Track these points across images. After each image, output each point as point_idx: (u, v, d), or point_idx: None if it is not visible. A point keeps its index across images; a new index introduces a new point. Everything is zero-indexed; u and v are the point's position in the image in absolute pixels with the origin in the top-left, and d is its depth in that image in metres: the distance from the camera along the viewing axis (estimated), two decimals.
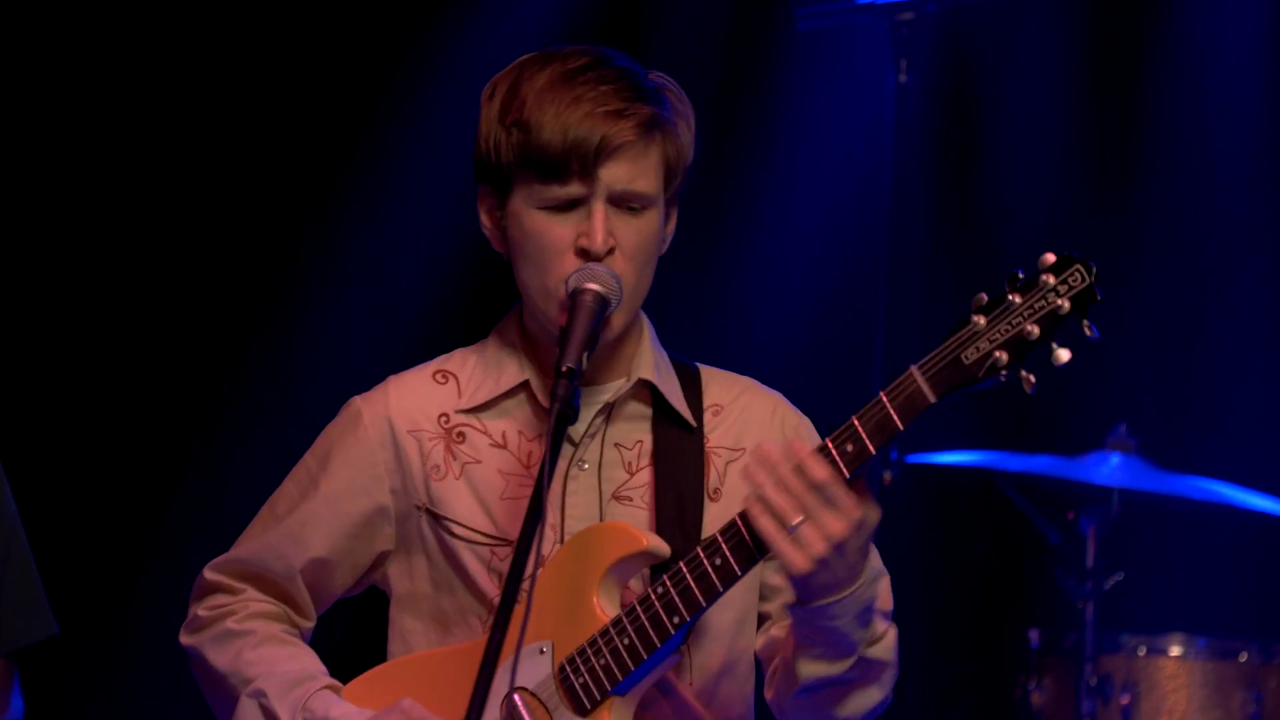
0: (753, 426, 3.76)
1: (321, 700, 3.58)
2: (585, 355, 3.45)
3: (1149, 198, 7.48)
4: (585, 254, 3.55)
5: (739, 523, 3.43)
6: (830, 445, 3.37)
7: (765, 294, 7.40)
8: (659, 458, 3.69)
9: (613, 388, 3.70)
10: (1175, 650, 6.58)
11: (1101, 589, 6.59)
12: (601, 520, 3.65)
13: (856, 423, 3.38)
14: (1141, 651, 6.59)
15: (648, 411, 3.71)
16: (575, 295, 3.51)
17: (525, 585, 3.57)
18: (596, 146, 3.53)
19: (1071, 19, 7.45)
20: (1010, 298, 3.34)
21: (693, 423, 3.71)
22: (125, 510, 6.73)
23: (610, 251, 3.56)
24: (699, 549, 3.47)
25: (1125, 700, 6.55)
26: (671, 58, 7.09)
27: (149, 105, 6.79)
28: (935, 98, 7.26)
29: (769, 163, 7.38)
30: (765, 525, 3.37)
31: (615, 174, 3.56)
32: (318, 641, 3.75)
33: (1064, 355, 3.33)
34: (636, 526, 3.58)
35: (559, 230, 3.57)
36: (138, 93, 6.78)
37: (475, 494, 3.65)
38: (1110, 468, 6.64)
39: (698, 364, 3.81)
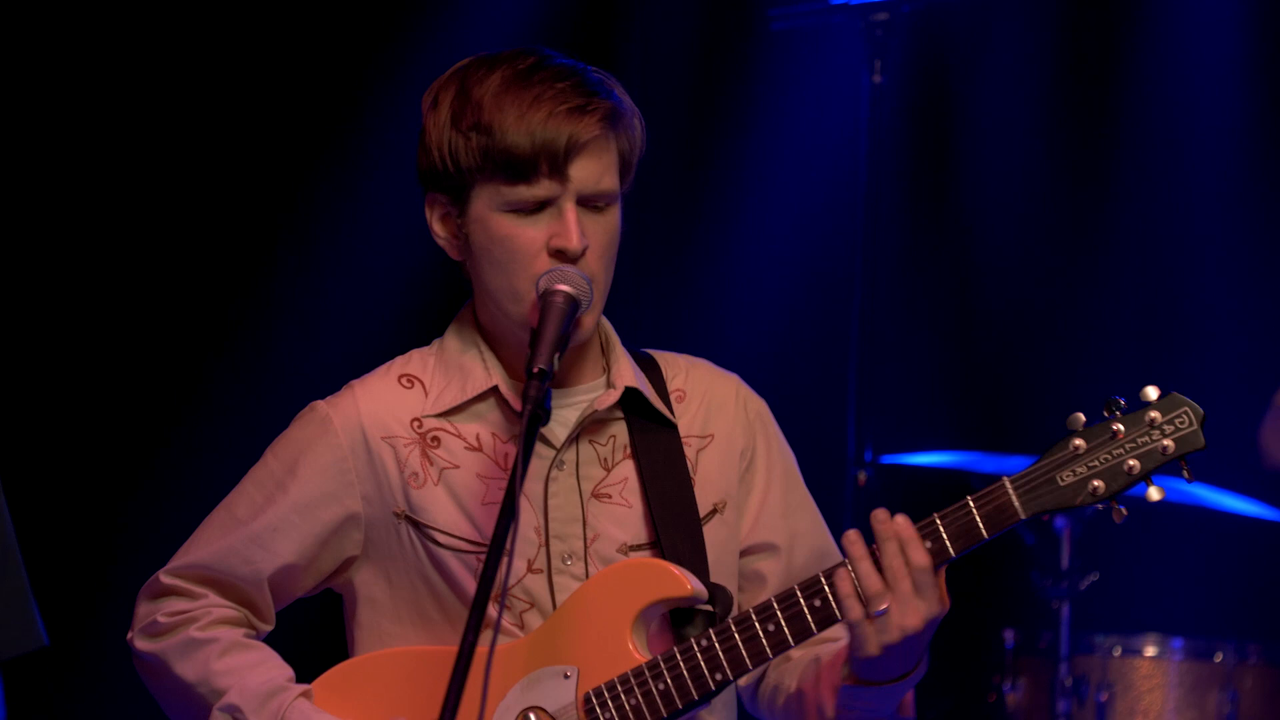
0: (718, 412, 3.75)
1: (300, 714, 3.55)
2: (556, 357, 3.43)
3: (1124, 197, 7.49)
4: (561, 254, 3.53)
5: (798, 594, 3.47)
6: (934, 529, 3.43)
7: (740, 293, 7.39)
8: (639, 453, 3.67)
9: (589, 389, 3.68)
10: (1150, 650, 6.58)
11: (1077, 589, 6.59)
12: (584, 519, 3.64)
13: (939, 522, 3.46)
14: (1117, 652, 6.60)
15: (618, 409, 3.69)
16: (546, 297, 3.48)
17: (512, 585, 3.61)
18: (565, 145, 3.51)
19: (1046, 18, 7.46)
20: (1113, 426, 3.41)
21: (674, 419, 3.70)
22: (104, 518, 6.70)
23: (585, 251, 3.54)
24: (751, 613, 3.49)
25: (1101, 700, 6.55)
26: (645, 58, 7.09)
27: (126, 105, 6.77)
28: (910, 98, 7.26)
29: (743, 163, 7.38)
30: (853, 607, 3.42)
31: (584, 172, 3.53)
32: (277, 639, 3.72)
33: (1156, 494, 3.40)
34: (678, 566, 3.57)
35: (530, 232, 3.54)
36: (115, 93, 6.76)
37: (456, 501, 3.62)
38: None
39: (649, 351, 3.80)
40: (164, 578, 3.66)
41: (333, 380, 3.75)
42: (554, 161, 3.51)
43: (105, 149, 6.76)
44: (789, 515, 3.77)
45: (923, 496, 7.31)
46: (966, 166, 7.53)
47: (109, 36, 6.74)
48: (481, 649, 3.38)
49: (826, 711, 3.62)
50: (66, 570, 6.56)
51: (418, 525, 3.62)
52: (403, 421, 3.65)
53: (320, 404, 3.69)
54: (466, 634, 3.18)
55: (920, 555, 3.42)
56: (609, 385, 3.69)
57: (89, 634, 6.48)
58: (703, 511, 3.69)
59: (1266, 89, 7.37)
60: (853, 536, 3.45)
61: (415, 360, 3.72)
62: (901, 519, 3.45)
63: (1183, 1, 7.38)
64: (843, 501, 6.52)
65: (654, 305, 7.04)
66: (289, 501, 3.64)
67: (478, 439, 3.64)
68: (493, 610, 3.57)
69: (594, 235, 3.55)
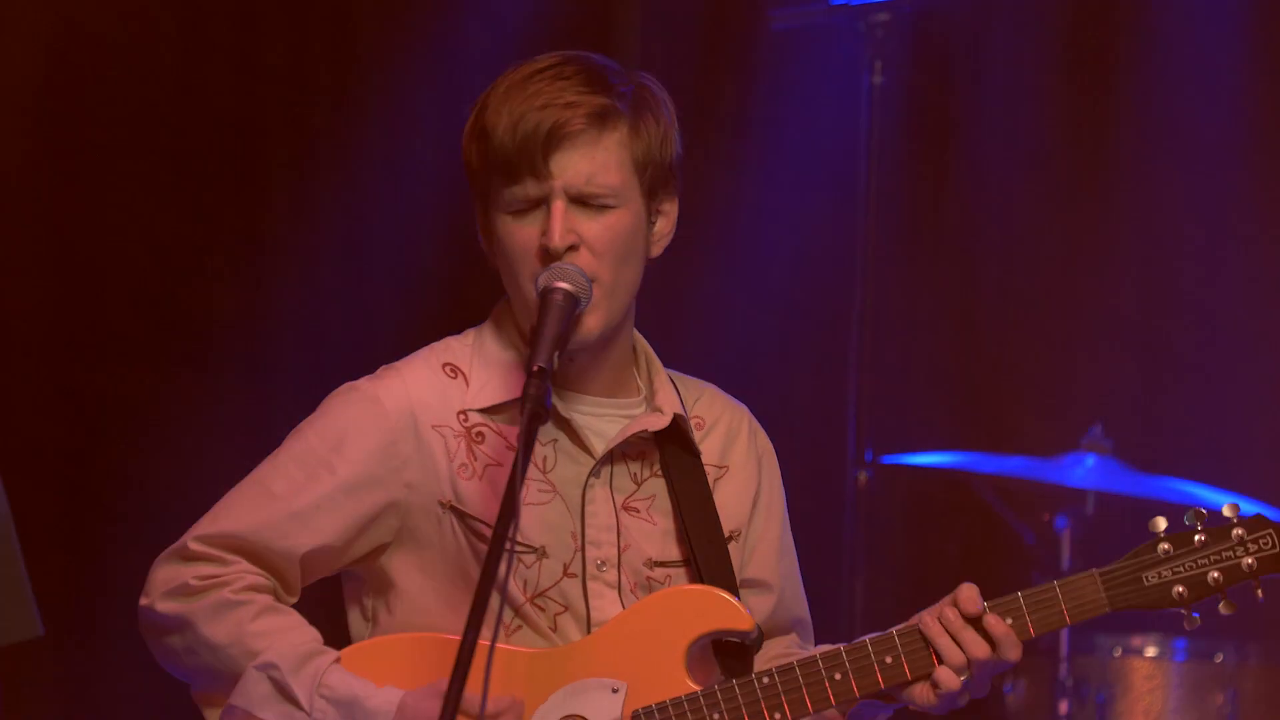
0: (732, 444, 3.78)
1: (340, 676, 3.51)
2: (556, 355, 3.42)
3: (1125, 197, 7.49)
4: (547, 253, 3.52)
5: (870, 648, 3.53)
6: (1018, 607, 3.56)
7: (741, 293, 7.39)
8: (671, 474, 3.69)
9: (627, 405, 3.69)
10: (1151, 651, 6.58)
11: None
12: (618, 528, 3.65)
13: (1023, 601, 3.57)
14: (1117, 652, 6.60)
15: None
16: (545, 294, 3.47)
17: (548, 588, 3.63)
18: (544, 137, 3.50)
19: (1047, 19, 7.46)
20: (1194, 536, 3.57)
21: (699, 451, 3.73)
22: (101, 510, 6.70)
23: (574, 249, 3.52)
24: (818, 658, 3.53)
25: (1101, 700, 6.55)
26: (646, 58, 7.09)
27: (129, 98, 6.76)
28: (910, 99, 7.26)
29: (743, 163, 7.37)
30: (948, 676, 3.54)
31: (569, 167, 3.52)
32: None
33: (1227, 609, 3.58)
34: (730, 590, 3.61)
35: (524, 232, 3.55)
36: (118, 86, 6.75)
37: (499, 497, 3.54)
38: (1085, 469, 6.64)
39: (669, 371, 3.80)
40: (193, 544, 3.58)
41: (331, 382, 3.74)
42: (533, 156, 3.51)
43: (108, 146, 6.76)
44: (782, 557, 3.81)
45: (923, 497, 7.35)
46: (967, 167, 7.53)
47: (111, 36, 6.74)
48: (524, 650, 3.42)
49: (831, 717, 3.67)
50: (63, 560, 6.55)
51: (463, 517, 3.61)
52: (451, 412, 3.63)
53: (363, 384, 3.66)
54: (468, 631, 3.16)
55: (1014, 651, 3.57)
56: (652, 405, 3.70)
57: (85, 623, 6.48)
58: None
59: (1268, 90, 7.37)
60: (930, 621, 3.56)
61: (455, 348, 3.71)
62: (990, 618, 3.57)
63: (1184, 2, 7.38)
64: (843, 501, 6.53)
65: (654, 306, 7.02)
66: (335, 481, 3.59)
67: (517, 439, 3.62)
68: (531, 611, 3.59)
69: (590, 232, 3.53)
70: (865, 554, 6.47)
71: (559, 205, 3.52)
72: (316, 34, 6.98)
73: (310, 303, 6.95)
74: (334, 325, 6.89)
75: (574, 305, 3.49)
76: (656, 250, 3.67)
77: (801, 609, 3.84)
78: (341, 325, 6.88)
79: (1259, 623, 6.87)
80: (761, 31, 7.01)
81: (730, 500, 3.74)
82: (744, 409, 3.83)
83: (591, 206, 3.54)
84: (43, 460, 6.63)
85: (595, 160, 3.53)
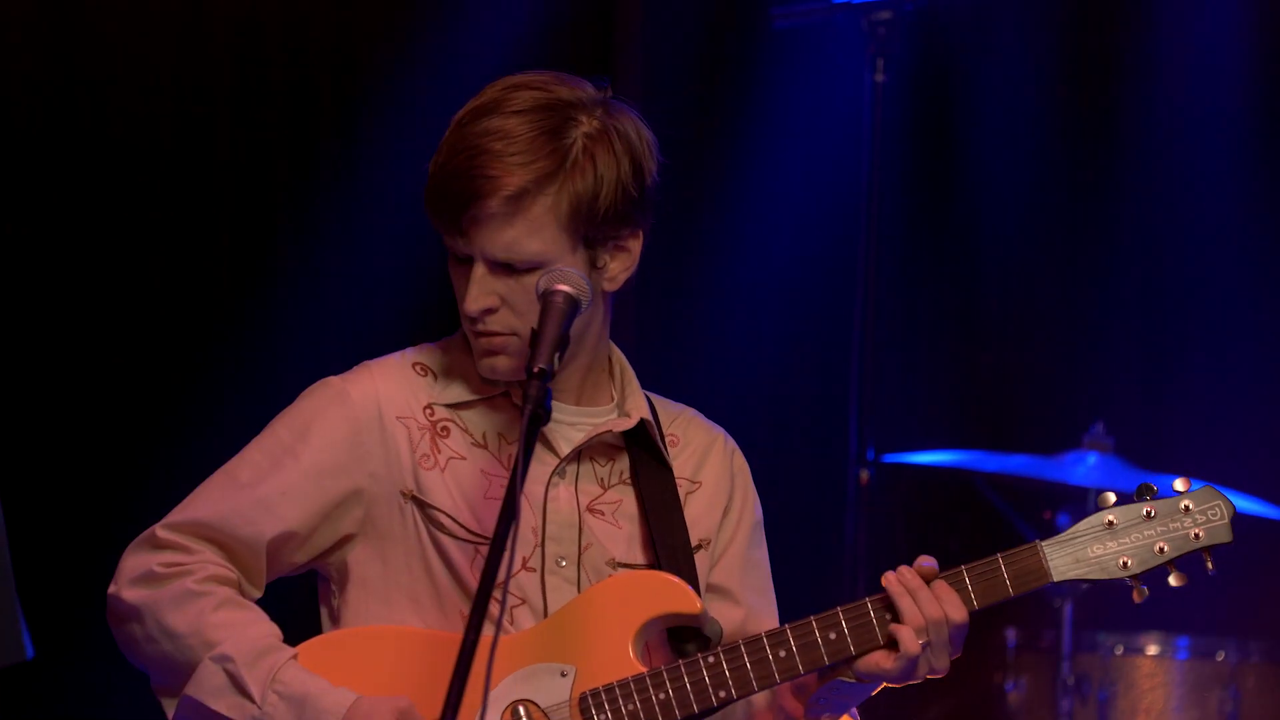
0: (706, 461, 3.80)
1: (295, 672, 3.53)
2: (557, 356, 3.42)
3: (1127, 195, 7.49)
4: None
5: (814, 624, 3.52)
6: (960, 580, 3.55)
7: (743, 292, 7.39)
8: (640, 481, 3.71)
9: (599, 413, 3.71)
10: (1153, 649, 6.59)
11: (1079, 588, 6.59)
12: (580, 526, 3.66)
13: (966, 574, 3.57)
14: (1119, 650, 6.60)
15: (621, 437, 3.73)
16: (545, 297, 3.48)
17: (502, 584, 3.60)
18: (465, 209, 3.53)
19: (1049, 17, 7.46)
20: (1144, 509, 3.57)
21: (670, 464, 3.74)
22: (95, 532, 6.68)
23: (491, 311, 3.55)
24: (763, 637, 3.53)
25: (1103, 699, 6.56)
26: (647, 58, 7.09)
27: (128, 104, 6.77)
28: (912, 97, 7.26)
29: (746, 162, 7.38)
30: (909, 639, 3.51)
31: (487, 241, 3.54)
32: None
33: (1177, 581, 3.57)
34: (686, 582, 3.61)
35: (458, 281, 3.60)
36: (117, 88, 6.75)
37: (461, 490, 3.63)
38: (1087, 467, 6.64)
39: (647, 393, 3.82)
40: (160, 532, 3.62)
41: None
42: (456, 220, 3.54)
43: (108, 145, 6.76)
44: (747, 569, 3.81)
45: (925, 495, 7.35)
46: (969, 165, 7.53)
47: (111, 35, 6.74)
48: (452, 636, 3.39)
49: (793, 710, 3.67)
50: (56, 584, 6.54)
51: (424, 507, 3.63)
52: (417, 405, 3.66)
53: (334, 379, 3.70)
54: (468, 633, 3.18)
55: (961, 614, 3.54)
56: (622, 413, 3.72)
57: (76, 647, 6.47)
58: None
59: (1269, 88, 7.37)
60: (892, 578, 3.56)
61: (426, 352, 3.74)
62: (938, 583, 3.56)
63: (1185, 1, 7.38)
64: (845, 500, 6.53)
65: (656, 305, 7.03)
66: (300, 468, 3.62)
67: (484, 436, 3.67)
68: (490, 605, 3.59)
69: (513, 295, 3.55)
70: (867, 553, 6.47)
71: (479, 270, 3.56)
72: (319, 36, 6.98)
73: (313, 312, 6.95)
74: (337, 337, 6.89)
75: (574, 308, 3.48)
76: (613, 286, 3.66)
77: (772, 621, 3.79)
78: (344, 337, 6.88)
79: (1260, 621, 6.88)
80: (763, 31, 7.01)
81: (700, 513, 3.76)
82: (721, 431, 3.84)
83: (517, 270, 3.55)
84: (37, 480, 6.63)
85: (514, 231, 3.53)
